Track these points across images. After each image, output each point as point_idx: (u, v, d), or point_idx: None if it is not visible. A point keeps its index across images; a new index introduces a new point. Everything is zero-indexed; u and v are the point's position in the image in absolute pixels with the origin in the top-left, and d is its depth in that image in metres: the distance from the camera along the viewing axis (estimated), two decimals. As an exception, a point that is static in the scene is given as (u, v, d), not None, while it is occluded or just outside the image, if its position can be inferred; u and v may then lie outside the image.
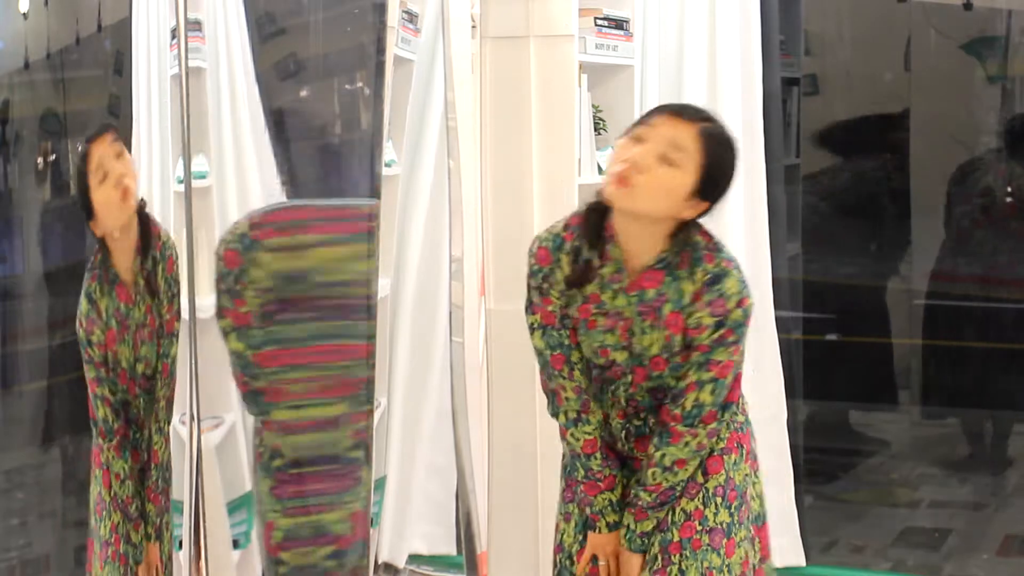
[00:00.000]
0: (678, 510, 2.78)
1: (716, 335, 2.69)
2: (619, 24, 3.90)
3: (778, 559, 4.47)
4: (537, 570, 3.62)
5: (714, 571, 2.76)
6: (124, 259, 3.06)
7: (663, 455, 2.75)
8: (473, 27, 3.60)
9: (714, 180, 2.68)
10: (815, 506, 5.25)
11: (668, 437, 2.74)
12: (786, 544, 4.48)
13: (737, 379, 2.78)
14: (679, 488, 2.78)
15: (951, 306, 6.01)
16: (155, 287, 3.05)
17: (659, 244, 2.71)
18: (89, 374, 3.07)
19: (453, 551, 4.40)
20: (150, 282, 3.05)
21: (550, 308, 2.79)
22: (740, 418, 2.85)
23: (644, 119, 2.69)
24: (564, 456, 2.93)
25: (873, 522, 5.20)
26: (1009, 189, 6.15)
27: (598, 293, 2.75)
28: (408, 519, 4.42)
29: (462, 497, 3.56)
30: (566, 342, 2.81)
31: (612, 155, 2.71)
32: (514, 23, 3.60)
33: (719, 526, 2.78)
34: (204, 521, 3.00)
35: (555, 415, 2.88)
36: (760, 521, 2.90)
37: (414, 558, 4.42)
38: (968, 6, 5.28)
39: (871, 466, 5.93)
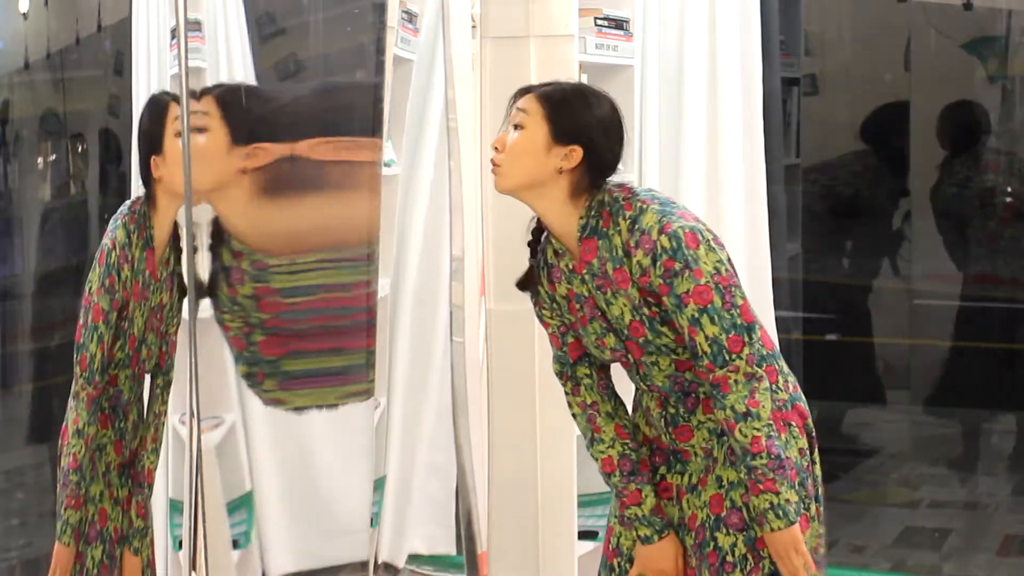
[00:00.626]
0: (751, 505, 2.67)
1: (661, 271, 2.64)
2: (619, 24, 3.90)
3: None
4: (537, 570, 3.62)
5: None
6: (163, 226, 3.01)
7: (732, 407, 2.63)
8: (473, 27, 3.60)
9: (565, 122, 2.73)
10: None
11: (718, 391, 2.64)
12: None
13: (742, 309, 2.66)
14: (779, 442, 2.65)
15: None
16: (178, 274, 3.01)
17: (573, 212, 2.74)
18: (102, 302, 2.96)
19: (453, 551, 4.40)
20: (176, 277, 3.02)
21: (550, 331, 2.86)
22: (782, 396, 2.75)
23: (509, 105, 2.81)
24: (635, 463, 2.87)
25: (873, 522, 5.20)
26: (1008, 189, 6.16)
27: (572, 288, 2.78)
28: (408, 519, 4.42)
29: (462, 497, 3.56)
30: (567, 360, 2.86)
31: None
32: (514, 23, 3.60)
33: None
34: (204, 521, 3.00)
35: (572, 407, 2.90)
36: (817, 502, 2.81)
37: (414, 558, 4.42)
38: (968, 6, 5.28)
39: (871, 466, 5.93)
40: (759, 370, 2.66)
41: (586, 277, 2.74)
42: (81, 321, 2.97)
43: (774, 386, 2.73)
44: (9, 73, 5.37)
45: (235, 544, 3.23)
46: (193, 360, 2.96)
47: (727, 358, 2.63)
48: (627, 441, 2.83)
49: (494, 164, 2.76)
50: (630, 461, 2.82)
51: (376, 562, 3.97)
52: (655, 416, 2.81)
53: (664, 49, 4.23)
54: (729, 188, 4.26)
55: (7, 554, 4.77)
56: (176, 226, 2.99)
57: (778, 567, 2.66)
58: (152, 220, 3.00)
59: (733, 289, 2.67)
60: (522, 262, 2.90)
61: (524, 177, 2.74)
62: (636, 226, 2.67)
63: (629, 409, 2.90)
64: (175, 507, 3.14)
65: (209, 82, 3.07)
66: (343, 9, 3.55)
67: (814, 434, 2.81)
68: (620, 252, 2.69)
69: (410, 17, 3.87)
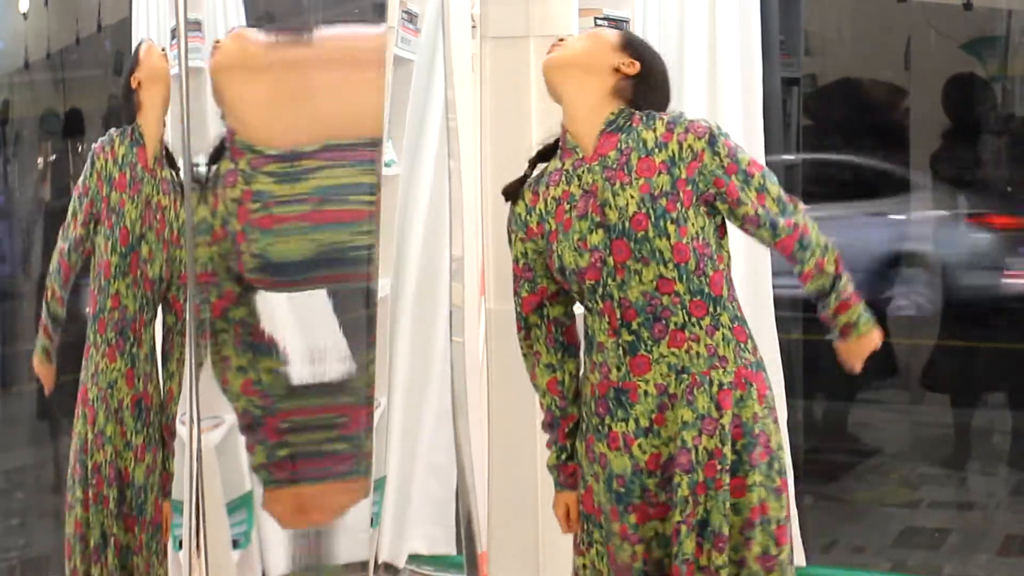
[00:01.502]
0: (700, 448, 2.71)
1: (725, 150, 2.78)
2: (619, 24, 3.90)
3: (778, 559, 4.47)
4: (537, 570, 3.62)
5: (727, 514, 2.72)
6: (151, 124, 3.03)
7: (817, 245, 2.79)
8: (473, 27, 3.60)
9: (632, 43, 2.90)
10: (815, 506, 5.26)
11: (804, 238, 2.78)
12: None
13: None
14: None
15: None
16: (176, 181, 2.98)
17: (606, 108, 2.83)
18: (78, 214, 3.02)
19: (453, 551, 4.40)
20: (173, 176, 2.99)
21: (513, 256, 2.89)
22: (748, 356, 2.79)
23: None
24: (556, 422, 2.94)
25: (873, 522, 5.21)
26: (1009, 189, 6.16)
27: (567, 188, 2.81)
28: (408, 519, 4.43)
29: (462, 497, 3.56)
30: (523, 294, 2.90)
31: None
32: (514, 23, 3.60)
33: (729, 465, 2.73)
34: (204, 521, 3.00)
35: (529, 367, 2.97)
36: (786, 475, 2.83)
37: (414, 558, 4.43)
38: (968, 6, 5.28)
39: (871, 466, 5.94)
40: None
41: (596, 168, 2.79)
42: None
43: (742, 344, 2.80)
44: (9, 73, 5.37)
45: (235, 544, 3.23)
46: (193, 360, 2.96)
47: (793, 207, 2.80)
48: (555, 397, 2.92)
49: (552, 48, 2.88)
50: (552, 415, 2.93)
51: (376, 562, 3.97)
52: (610, 344, 2.77)
53: (664, 49, 4.23)
54: (729, 188, 4.26)
55: (7, 554, 4.77)
56: (165, 133, 2.99)
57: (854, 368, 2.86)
58: (139, 118, 3.03)
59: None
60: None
61: (582, 54, 2.87)
62: (679, 122, 2.79)
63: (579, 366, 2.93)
64: (175, 507, 3.14)
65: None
66: (343, 9, 3.55)
67: (775, 410, 2.86)
68: (651, 144, 2.78)
69: (410, 17, 3.87)
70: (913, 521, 5.24)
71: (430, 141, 4.27)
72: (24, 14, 5.29)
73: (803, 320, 5.70)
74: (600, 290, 2.77)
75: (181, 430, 3.09)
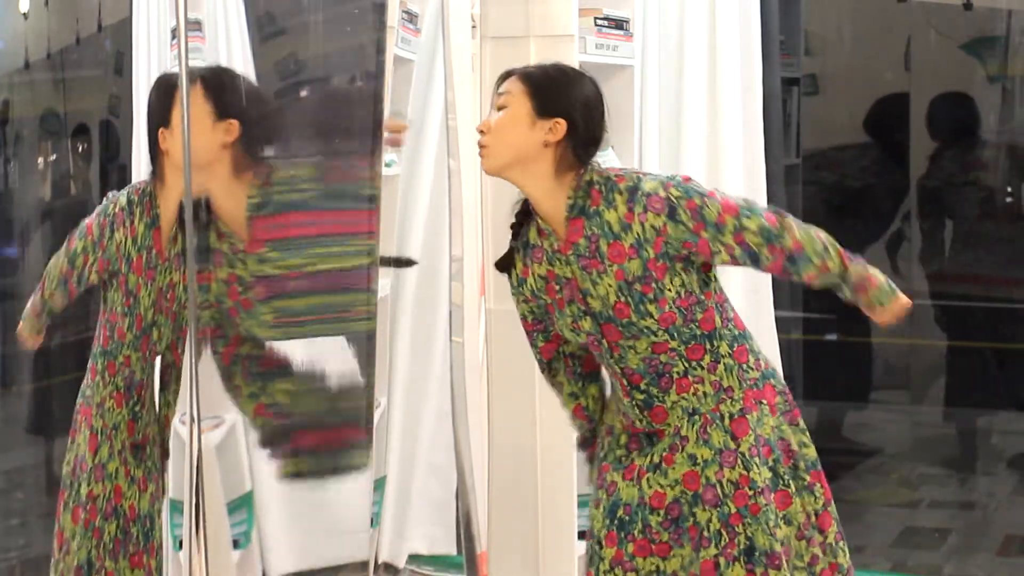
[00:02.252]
0: (724, 481, 2.75)
1: (687, 215, 2.71)
2: (619, 24, 3.90)
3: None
4: (537, 570, 3.62)
5: (777, 529, 2.76)
6: (169, 203, 3.02)
7: (815, 253, 2.75)
8: (473, 27, 3.60)
9: (547, 97, 2.78)
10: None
11: (796, 255, 2.74)
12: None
13: (748, 199, 2.81)
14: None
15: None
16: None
17: (560, 189, 2.77)
18: (79, 243, 3.07)
19: (453, 551, 4.40)
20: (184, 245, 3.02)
21: (520, 315, 2.91)
22: (753, 374, 2.83)
23: (492, 92, 2.86)
24: (588, 441, 2.98)
25: (873, 522, 5.20)
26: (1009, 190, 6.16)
27: (552, 270, 2.80)
28: (408, 519, 4.42)
29: (462, 497, 3.56)
30: (539, 344, 2.93)
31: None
32: (514, 23, 3.60)
33: (766, 484, 2.77)
34: (204, 521, 3.00)
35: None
36: (817, 466, 2.89)
37: (414, 558, 4.42)
38: (968, 6, 5.27)
39: (871, 466, 5.93)
40: (791, 217, 2.78)
41: (571, 258, 2.76)
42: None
43: (744, 366, 2.81)
44: (9, 73, 5.37)
45: (235, 544, 3.23)
46: (193, 360, 2.96)
47: (778, 231, 2.73)
48: (583, 422, 2.97)
49: (481, 146, 2.79)
50: (584, 437, 2.99)
51: (376, 562, 3.97)
52: (626, 403, 2.84)
53: (664, 49, 4.23)
54: (729, 188, 4.25)
55: (7, 554, 4.77)
56: (182, 206, 3.00)
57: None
58: (159, 199, 3.02)
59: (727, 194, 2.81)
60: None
61: (510, 153, 2.77)
62: (637, 194, 2.72)
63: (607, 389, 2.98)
64: (175, 507, 3.14)
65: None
66: (343, 9, 3.55)
67: (794, 409, 2.91)
68: (617, 227, 2.73)
69: (410, 17, 3.87)
70: (913, 521, 5.24)
71: (430, 141, 4.26)
72: (24, 14, 5.28)
73: (803, 320, 5.71)
74: (604, 359, 2.85)
75: (181, 430, 3.09)
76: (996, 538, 5.07)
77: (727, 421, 2.78)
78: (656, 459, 2.81)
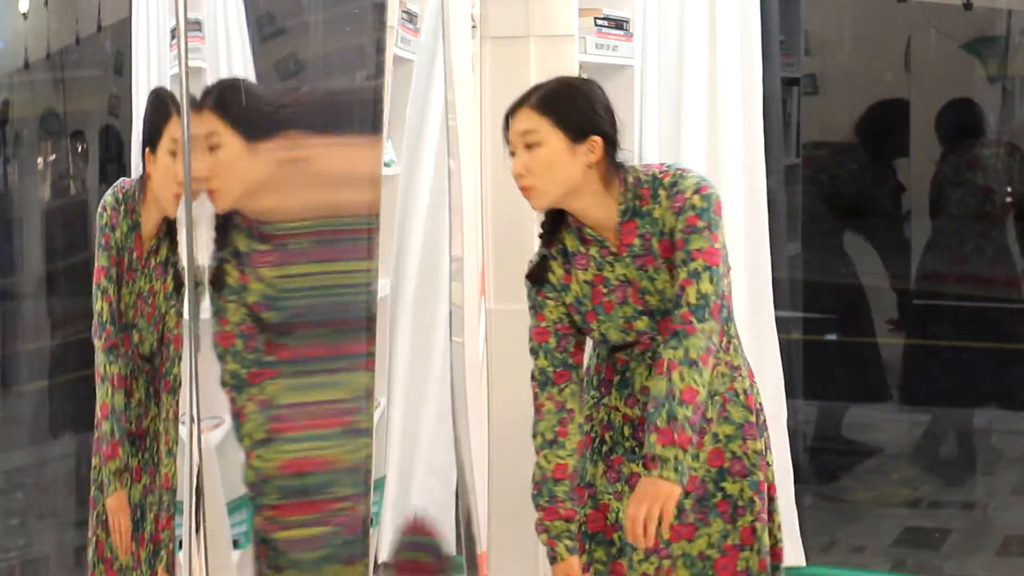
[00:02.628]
0: (750, 452, 2.87)
1: (684, 225, 2.74)
2: (619, 24, 3.90)
3: (778, 559, 4.47)
4: (537, 570, 3.62)
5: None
6: (149, 219, 3.01)
7: (686, 350, 2.67)
8: (473, 27, 3.59)
9: (576, 121, 2.81)
10: (815, 506, 5.25)
11: (683, 332, 2.69)
12: (786, 544, 4.47)
13: (727, 295, 2.81)
14: (704, 413, 2.73)
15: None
16: (178, 279, 3.01)
17: (610, 200, 2.81)
18: (101, 260, 3.00)
19: (453, 551, 4.40)
20: (172, 268, 3.01)
21: (544, 324, 2.87)
22: (744, 350, 2.97)
23: (504, 130, 2.86)
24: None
25: (873, 522, 5.20)
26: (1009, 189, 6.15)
27: (600, 273, 2.83)
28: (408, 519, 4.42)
29: (462, 497, 3.55)
30: (559, 358, 2.88)
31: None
32: (514, 23, 3.60)
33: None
34: (204, 521, 3.00)
35: (534, 436, 2.91)
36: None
37: (414, 558, 4.42)
38: (968, 6, 5.28)
39: (871, 466, 5.93)
40: (719, 346, 2.78)
41: (627, 260, 2.81)
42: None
43: (741, 344, 2.92)
44: (9, 73, 5.37)
45: (235, 544, 3.23)
46: (193, 360, 2.96)
47: (705, 316, 2.71)
48: (579, 460, 2.90)
49: (525, 191, 2.80)
50: (579, 477, 2.91)
51: (376, 562, 3.97)
52: (624, 415, 2.89)
53: (664, 49, 4.23)
54: (729, 188, 4.25)
55: (7, 554, 4.77)
56: (168, 224, 2.99)
57: (630, 507, 2.67)
58: (140, 208, 3.02)
59: (727, 272, 2.81)
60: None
61: (561, 188, 2.80)
62: (675, 189, 2.79)
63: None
64: (175, 507, 3.14)
65: (210, 82, 3.06)
66: (343, 9, 3.55)
67: (765, 434, 2.96)
68: (663, 224, 2.79)
69: (410, 17, 3.87)
70: (913, 521, 5.24)
71: (430, 141, 4.26)
72: (24, 14, 5.28)
73: (803, 320, 5.71)
74: (650, 353, 2.85)
75: (181, 430, 3.08)
76: (996, 538, 5.07)
77: (742, 397, 2.87)
78: None
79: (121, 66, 5.03)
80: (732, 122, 4.25)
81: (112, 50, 5.15)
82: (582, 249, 2.84)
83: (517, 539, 3.60)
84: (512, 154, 2.85)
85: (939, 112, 6.00)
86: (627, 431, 2.90)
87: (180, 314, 2.99)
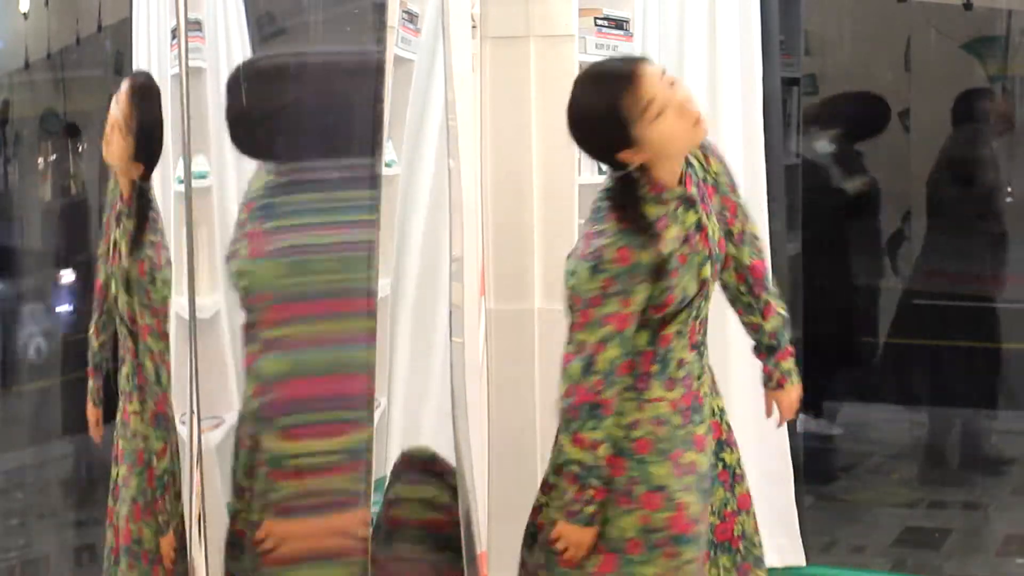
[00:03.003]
0: (728, 424, 3.12)
1: (729, 174, 3.07)
2: (619, 24, 3.90)
3: (778, 559, 4.47)
4: (537, 570, 3.62)
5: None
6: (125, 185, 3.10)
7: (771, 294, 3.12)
8: (473, 27, 3.60)
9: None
10: (815, 506, 5.25)
11: (765, 271, 3.13)
12: (786, 544, 4.47)
13: None
14: None
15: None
16: (137, 281, 3.04)
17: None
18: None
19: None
20: (130, 275, 3.04)
21: (630, 309, 2.79)
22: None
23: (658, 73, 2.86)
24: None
25: (873, 522, 5.20)
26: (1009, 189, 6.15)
27: (678, 231, 2.84)
28: (408, 519, 4.42)
29: (461, 497, 3.56)
30: (631, 344, 2.84)
31: (677, 99, 2.82)
32: (514, 23, 3.60)
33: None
34: (204, 521, 3.00)
35: (591, 429, 2.83)
36: None
37: (414, 558, 4.42)
38: (968, 6, 5.28)
39: (871, 466, 5.94)
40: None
41: (693, 206, 2.89)
42: None
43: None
44: (9, 73, 5.38)
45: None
46: (193, 360, 2.96)
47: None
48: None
49: (699, 116, 2.87)
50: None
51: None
52: (692, 358, 2.92)
53: (664, 49, 4.23)
54: (729, 188, 4.26)
55: (7, 554, 4.77)
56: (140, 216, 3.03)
57: (789, 414, 3.18)
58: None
59: None
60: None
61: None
62: (706, 144, 3.01)
63: None
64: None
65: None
66: (343, 9, 3.55)
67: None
68: (703, 173, 2.97)
69: (410, 17, 3.86)
70: (913, 521, 5.24)
71: (430, 141, 4.26)
72: (24, 14, 5.29)
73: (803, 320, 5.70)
74: (694, 312, 2.89)
75: (181, 430, 3.09)
76: (996, 538, 5.07)
77: (713, 374, 3.04)
78: (707, 421, 2.98)
79: (121, 66, 5.03)
80: (732, 122, 4.25)
81: (112, 50, 5.15)
82: (658, 213, 2.82)
83: (517, 539, 3.60)
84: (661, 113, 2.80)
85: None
86: (677, 420, 2.88)
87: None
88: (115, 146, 3.02)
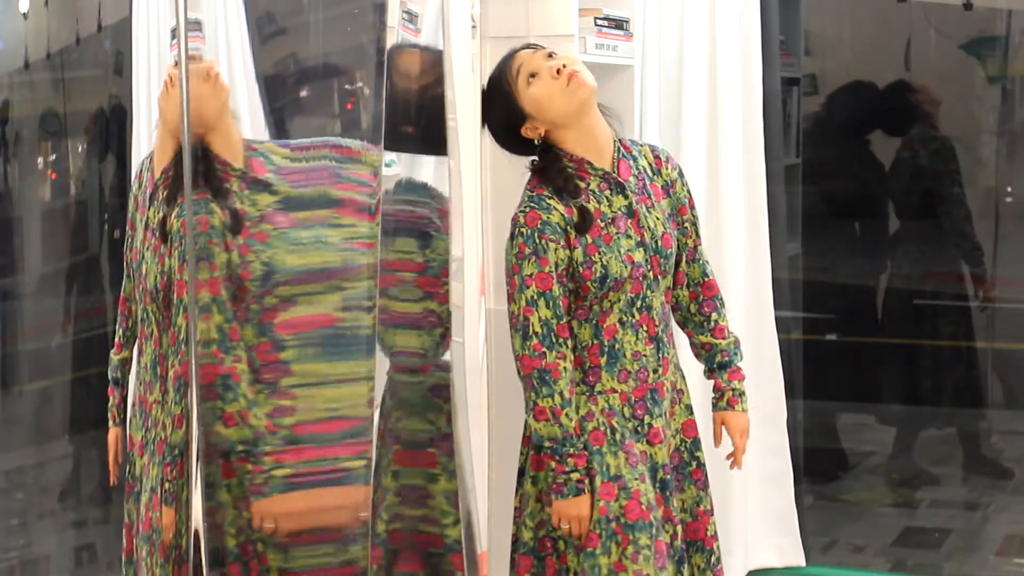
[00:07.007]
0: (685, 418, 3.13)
1: (686, 190, 3.12)
2: (619, 24, 3.91)
3: (778, 559, 4.48)
4: (537, 570, 3.61)
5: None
6: (166, 150, 3.03)
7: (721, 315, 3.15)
8: (473, 27, 3.60)
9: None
10: (815, 506, 5.26)
11: (717, 299, 3.16)
12: (786, 544, 4.48)
13: None
14: None
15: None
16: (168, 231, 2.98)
17: (607, 132, 3.01)
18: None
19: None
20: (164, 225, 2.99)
21: (548, 269, 2.92)
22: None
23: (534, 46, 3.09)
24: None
25: (873, 522, 5.21)
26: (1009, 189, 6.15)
27: (598, 207, 2.95)
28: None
29: (462, 497, 3.55)
30: (562, 306, 2.93)
31: (549, 64, 2.99)
32: (514, 23, 3.61)
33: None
34: (204, 520, 2.99)
35: (546, 396, 2.93)
36: None
37: (414, 558, 4.41)
38: (968, 6, 5.28)
39: (871, 466, 5.94)
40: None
41: (626, 192, 2.97)
42: None
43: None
44: (9, 73, 5.38)
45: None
46: (193, 360, 2.96)
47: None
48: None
49: (574, 73, 2.93)
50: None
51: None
52: (649, 351, 2.98)
53: (664, 49, 4.23)
54: (729, 188, 4.26)
55: (7, 554, 4.77)
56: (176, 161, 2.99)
57: (742, 440, 3.16)
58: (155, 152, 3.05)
59: None
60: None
61: (593, 91, 2.98)
62: (658, 149, 3.12)
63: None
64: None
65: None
66: (343, 9, 3.55)
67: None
68: (651, 171, 3.03)
69: (411, 17, 3.86)
70: (913, 521, 5.25)
71: (430, 141, 4.26)
72: (24, 14, 5.29)
73: (803, 320, 5.71)
74: (639, 302, 2.96)
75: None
76: (996, 538, 5.08)
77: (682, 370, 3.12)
78: (666, 415, 3.02)
79: (121, 66, 5.04)
80: (732, 122, 4.25)
81: (112, 50, 5.15)
82: (580, 185, 2.96)
83: (517, 539, 3.60)
84: (533, 76, 3.00)
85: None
86: (627, 412, 2.98)
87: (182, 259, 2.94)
88: (175, 98, 2.97)
